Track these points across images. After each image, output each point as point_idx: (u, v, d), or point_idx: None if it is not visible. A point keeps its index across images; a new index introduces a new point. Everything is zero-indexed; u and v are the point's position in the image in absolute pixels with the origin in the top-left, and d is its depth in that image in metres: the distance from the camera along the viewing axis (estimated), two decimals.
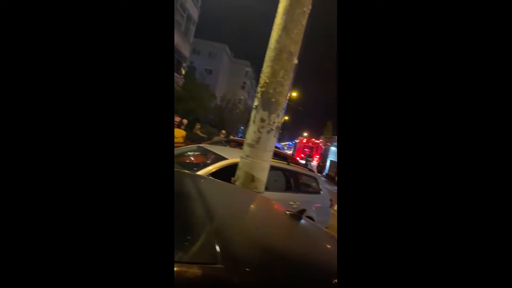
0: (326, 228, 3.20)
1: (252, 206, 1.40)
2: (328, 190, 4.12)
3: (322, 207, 3.77)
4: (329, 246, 1.26)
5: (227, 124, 18.14)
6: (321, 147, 15.15)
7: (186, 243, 0.69)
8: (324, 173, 11.06)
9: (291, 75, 2.36)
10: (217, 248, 0.69)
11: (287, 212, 1.30)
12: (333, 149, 13.94)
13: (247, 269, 0.68)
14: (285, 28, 2.24)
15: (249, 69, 35.86)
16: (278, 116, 2.34)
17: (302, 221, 1.32)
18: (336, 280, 0.77)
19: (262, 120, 2.30)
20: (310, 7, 2.31)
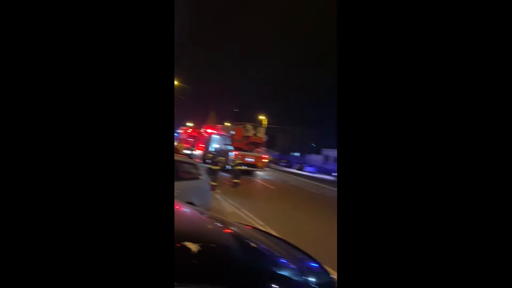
0: (208, 210, 3.44)
1: None
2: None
3: (202, 191, 3.99)
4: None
5: None
6: (204, 136, 15.46)
7: None
8: (207, 161, 11.52)
9: None
10: None
11: None
12: (216, 137, 14.54)
13: None
14: None
15: None
16: None
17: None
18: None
19: None
20: None
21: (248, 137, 13.29)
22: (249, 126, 13.56)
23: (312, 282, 1.33)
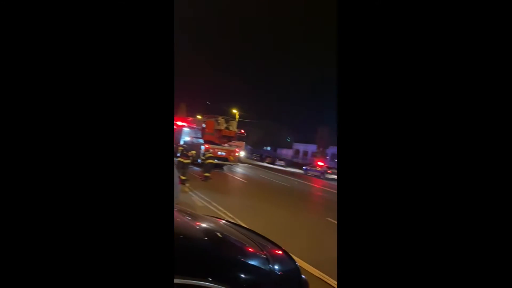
0: (176, 203, 3.39)
1: None
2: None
3: None
4: None
5: None
6: (174, 129, 14.93)
7: None
8: (177, 154, 11.25)
9: None
10: None
11: None
12: (186, 130, 14.15)
13: None
14: None
15: None
16: None
17: None
18: None
19: None
20: None
21: (220, 130, 13.15)
22: (221, 120, 13.40)
23: (278, 269, 1.40)
